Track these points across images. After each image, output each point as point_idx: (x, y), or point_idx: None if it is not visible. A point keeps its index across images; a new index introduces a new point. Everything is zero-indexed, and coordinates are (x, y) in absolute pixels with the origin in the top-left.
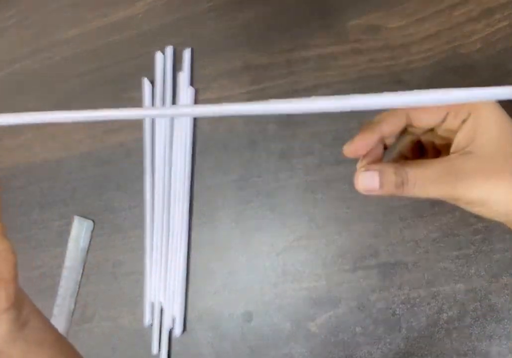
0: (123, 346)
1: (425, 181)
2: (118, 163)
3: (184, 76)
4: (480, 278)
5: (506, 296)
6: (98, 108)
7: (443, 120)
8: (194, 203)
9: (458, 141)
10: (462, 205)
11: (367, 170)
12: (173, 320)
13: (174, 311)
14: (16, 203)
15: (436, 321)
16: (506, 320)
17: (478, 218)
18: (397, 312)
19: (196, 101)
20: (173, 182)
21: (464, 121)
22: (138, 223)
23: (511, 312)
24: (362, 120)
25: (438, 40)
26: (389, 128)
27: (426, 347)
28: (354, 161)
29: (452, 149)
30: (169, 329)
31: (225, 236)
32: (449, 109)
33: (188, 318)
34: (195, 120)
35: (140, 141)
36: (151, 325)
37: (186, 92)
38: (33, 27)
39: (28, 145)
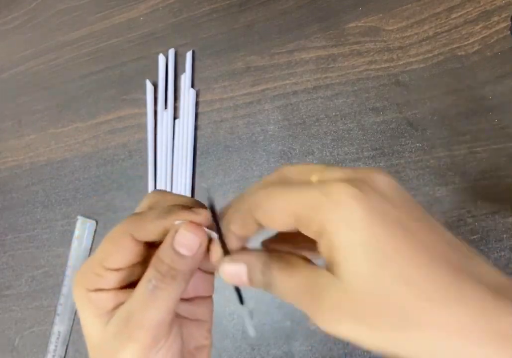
0: None
1: (287, 291)
2: (121, 163)
3: (185, 77)
4: None
5: None
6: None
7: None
8: None
9: (324, 257)
10: None
11: (233, 261)
12: None
13: None
14: (20, 203)
15: None
16: None
17: (476, 218)
18: None
19: (198, 103)
20: (175, 183)
21: (320, 235)
22: None
23: None
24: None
25: (436, 42)
26: (239, 230)
27: None
28: (354, 162)
29: (326, 261)
30: None
31: None
32: (293, 218)
33: None
34: (197, 121)
35: (142, 142)
36: None
37: (187, 93)
38: (37, 29)
39: (32, 146)
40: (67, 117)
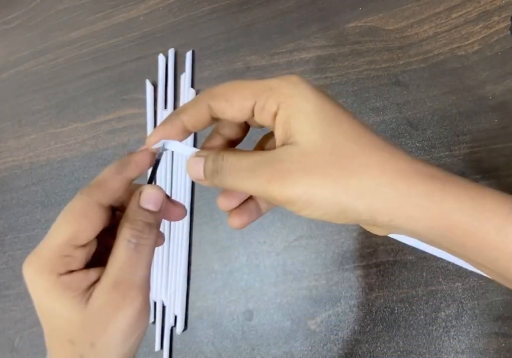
0: None
1: (239, 171)
2: None
3: (185, 77)
4: (477, 276)
5: (504, 295)
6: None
7: (252, 114)
8: (195, 203)
9: (278, 136)
10: (288, 208)
11: (196, 156)
12: (175, 318)
13: (175, 309)
14: (20, 203)
15: (434, 319)
16: (503, 318)
17: None
18: (396, 311)
19: None
20: (175, 182)
21: (275, 115)
22: None
23: (508, 310)
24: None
25: (436, 42)
26: (189, 119)
27: (424, 345)
28: None
29: (277, 144)
30: (170, 327)
31: (226, 236)
32: (252, 101)
33: (189, 316)
34: None
35: (142, 142)
36: (154, 323)
37: (187, 93)
38: (37, 29)
39: (32, 146)
40: (67, 117)
